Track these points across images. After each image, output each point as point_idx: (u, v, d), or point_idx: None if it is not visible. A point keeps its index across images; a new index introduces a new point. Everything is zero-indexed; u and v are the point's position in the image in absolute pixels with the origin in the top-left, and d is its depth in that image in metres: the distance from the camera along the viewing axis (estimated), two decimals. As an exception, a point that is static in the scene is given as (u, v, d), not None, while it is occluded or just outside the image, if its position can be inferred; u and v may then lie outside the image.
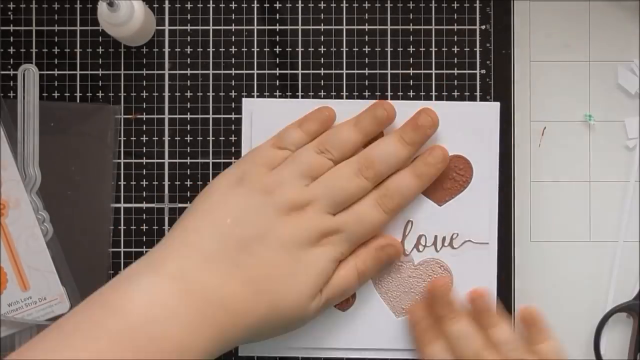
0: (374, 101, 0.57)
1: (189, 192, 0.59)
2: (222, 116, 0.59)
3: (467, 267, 0.58)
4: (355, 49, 0.60)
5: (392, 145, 0.55)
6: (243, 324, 0.49)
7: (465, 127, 0.58)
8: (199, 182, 0.59)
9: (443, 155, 0.56)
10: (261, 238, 0.51)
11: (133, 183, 0.59)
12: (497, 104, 0.59)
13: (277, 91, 0.59)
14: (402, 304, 0.58)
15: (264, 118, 0.58)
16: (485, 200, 0.58)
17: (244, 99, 0.59)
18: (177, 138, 0.59)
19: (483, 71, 0.59)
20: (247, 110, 0.59)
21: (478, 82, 0.59)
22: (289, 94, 0.59)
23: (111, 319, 0.45)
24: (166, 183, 0.59)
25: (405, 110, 0.57)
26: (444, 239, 0.58)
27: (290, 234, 0.52)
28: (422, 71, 0.59)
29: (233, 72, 0.60)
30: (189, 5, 0.60)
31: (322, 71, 0.60)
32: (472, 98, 0.59)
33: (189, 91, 0.60)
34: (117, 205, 0.59)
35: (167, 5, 0.60)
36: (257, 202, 0.52)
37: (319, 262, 0.52)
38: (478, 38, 0.59)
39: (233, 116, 0.59)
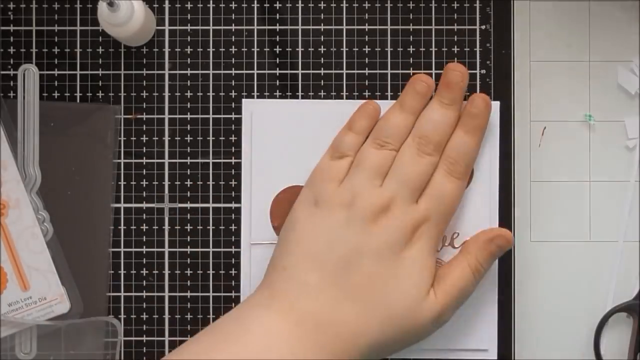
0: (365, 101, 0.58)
1: (189, 192, 0.59)
2: (222, 116, 0.59)
3: None
4: (355, 49, 0.60)
5: (437, 113, 0.55)
6: (360, 345, 0.49)
7: None
8: (199, 182, 0.59)
9: (485, 101, 0.57)
10: (357, 254, 0.51)
11: (133, 183, 0.59)
12: (497, 103, 0.59)
13: (277, 91, 0.59)
14: None
15: (264, 119, 0.58)
16: (486, 199, 0.58)
17: (244, 100, 0.59)
18: (177, 138, 0.59)
19: (483, 71, 0.59)
20: (247, 111, 0.59)
21: (478, 82, 0.59)
22: (289, 93, 0.59)
23: (232, 346, 0.49)
24: (166, 183, 0.59)
25: None
26: (444, 238, 0.58)
27: (384, 241, 0.51)
28: (422, 71, 0.59)
29: (233, 72, 0.60)
30: (189, 5, 0.60)
31: (322, 71, 0.60)
32: (472, 98, 0.59)
33: (189, 91, 0.60)
34: (117, 205, 0.59)
35: (167, 5, 0.60)
36: (341, 219, 0.52)
37: (418, 259, 0.52)
38: (478, 38, 0.59)
39: (233, 116, 0.59)
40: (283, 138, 0.58)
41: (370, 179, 0.53)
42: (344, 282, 0.50)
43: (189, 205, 0.59)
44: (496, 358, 0.58)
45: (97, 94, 0.60)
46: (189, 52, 0.60)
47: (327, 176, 0.54)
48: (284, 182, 0.58)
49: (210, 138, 0.59)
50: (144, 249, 0.59)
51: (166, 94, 0.60)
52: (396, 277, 0.51)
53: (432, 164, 0.54)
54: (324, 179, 0.54)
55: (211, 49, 0.60)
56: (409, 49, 0.60)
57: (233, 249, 0.59)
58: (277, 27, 0.60)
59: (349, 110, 0.57)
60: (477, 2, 0.60)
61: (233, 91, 0.59)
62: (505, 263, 0.59)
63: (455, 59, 0.59)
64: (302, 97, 0.59)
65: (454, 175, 0.55)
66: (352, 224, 0.52)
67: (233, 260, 0.59)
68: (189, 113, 0.60)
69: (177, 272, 0.59)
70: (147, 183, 0.59)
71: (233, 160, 0.59)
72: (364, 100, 0.58)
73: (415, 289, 0.51)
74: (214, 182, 0.59)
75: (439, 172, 0.55)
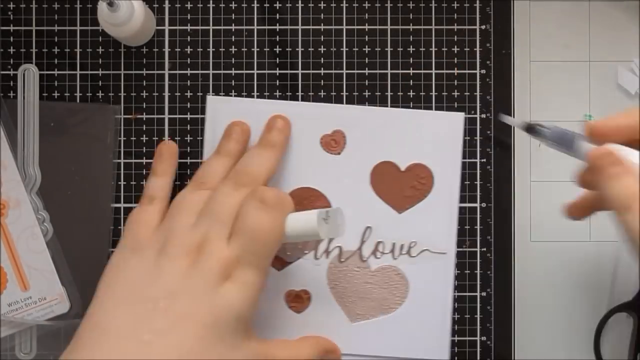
0: (326, 105, 0.58)
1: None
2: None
3: (424, 276, 0.58)
4: (355, 49, 0.60)
5: (254, 151, 0.56)
6: None
7: (429, 136, 0.58)
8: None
9: (282, 120, 0.57)
10: (169, 295, 0.48)
11: (133, 183, 0.59)
12: (462, 115, 0.58)
13: (277, 91, 0.59)
14: (358, 309, 0.58)
15: (228, 118, 0.58)
16: (445, 210, 0.58)
17: (208, 97, 0.59)
18: (177, 138, 0.59)
19: (483, 71, 0.59)
20: (211, 109, 0.59)
21: (478, 82, 0.59)
22: (289, 93, 0.59)
23: None
24: (166, 183, 0.59)
25: (365, 115, 0.58)
26: (402, 246, 0.58)
27: (197, 281, 0.48)
28: (422, 71, 0.59)
29: (233, 72, 0.60)
30: (189, 5, 0.60)
31: (322, 71, 0.60)
32: (472, 98, 0.59)
33: (189, 91, 0.60)
34: (117, 205, 0.59)
35: (167, 5, 0.60)
36: (152, 262, 0.50)
37: (235, 300, 0.49)
38: (478, 38, 0.59)
39: (233, 116, 0.59)
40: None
41: (183, 220, 0.51)
42: (153, 324, 0.47)
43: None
44: None
45: (97, 94, 0.60)
46: (189, 52, 0.60)
47: (142, 221, 0.53)
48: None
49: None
50: (144, 249, 0.59)
51: (166, 94, 0.60)
52: (212, 315, 0.48)
53: (244, 193, 0.52)
54: (140, 224, 0.53)
55: (211, 49, 0.60)
56: (409, 49, 0.60)
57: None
58: (277, 27, 0.60)
59: (305, 112, 0.58)
60: (477, 2, 0.60)
61: (233, 91, 0.59)
62: (506, 263, 0.59)
63: (455, 59, 0.59)
64: (302, 98, 0.59)
65: (262, 206, 0.50)
66: (164, 266, 0.49)
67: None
68: (189, 113, 0.60)
69: (177, 272, 0.59)
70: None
71: (233, 160, 0.59)
72: (323, 104, 0.58)
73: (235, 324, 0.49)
74: (214, 182, 0.59)
75: (245, 202, 0.51)
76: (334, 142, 0.58)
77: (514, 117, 0.59)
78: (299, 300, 0.58)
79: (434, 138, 0.58)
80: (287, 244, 0.56)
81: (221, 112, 0.59)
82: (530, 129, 0.50)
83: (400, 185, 0.58)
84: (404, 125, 0.58)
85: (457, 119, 0.58)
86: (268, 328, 0.57)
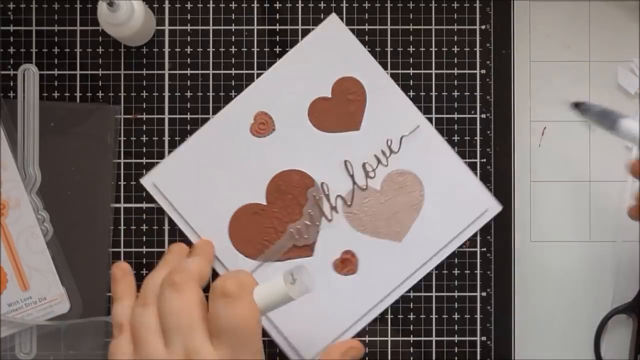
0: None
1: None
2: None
3: (422, 157, 0.59)
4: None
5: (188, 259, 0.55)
6: None
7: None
8: (187, 140, 0.59)
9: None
10: None
11: (133, 183, 0.59)
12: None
13: (277, 91, 0.60)
14: (394, 227, 0.59)
15: (169, 181, 0.59)
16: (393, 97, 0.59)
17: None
18: (177, 138, 0.59)
19: (483, 71, 0.59)
20: (151, 187, 0.59)
21: (478, 82, 0.59)
22: (289, 94, 0.59)
23: None
24: (166, 183, 0.59)
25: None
26: (382, 151, 0.59)
27: None
28: (422, 71, 0.59)
29: (233, 72, 0.60)
30: (189, 5, 0.60)
31: (322, 71, 0.60)
32: (472, 98, 0.59)
33: (189, 91, 0.60)
34: (117, 205, 0.59)
35: (167, 5, 0.60)
36: None
37: None
38: (478, 38, 0.59)
39: (233, 116, 0.59)
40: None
41: (153, 344, 0.49)
42: None
43: (189, 205, 0.59)
44: None
45: (97, 94, 0.60)
46: (189, 52, 0.60)
47: (118, 355, 0.51)
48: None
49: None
50: (144, 249, 0.59)
51: (166, 94, 0.60)
52: None
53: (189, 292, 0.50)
54: (116, 358, 0.51)
55: (211, 49, 0.60)
56: (409, 49, 0.60)
57: (233, 249, 0.59)
58: (277, 27, 0.60)
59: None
60: (477, 2, 0.60)
61: (233, 91, 0.59)
62: (505, 263, 0.59)
63: (455, 59, 0.59)
64: (302, 97, 0.59)
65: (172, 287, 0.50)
66: None
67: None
68: (189, 113, 0.60)
69: (177, 272, 0.59)
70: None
71: (233, 160, 0.59)
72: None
73: None
74: (214, 182, 0.59)
75: (210, 303, 0.49)
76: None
77: (513, 116, 0.59)
78: (347, 263, 0.58)
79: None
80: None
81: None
82: (577, 105, 0.52)
83: (335, 111, 0.59)
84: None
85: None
86: (335, 305, 0.58)
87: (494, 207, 0.59)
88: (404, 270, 0.58)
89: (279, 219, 0.58)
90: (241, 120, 0.59)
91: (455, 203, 0.58)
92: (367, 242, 0.58)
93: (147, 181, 0.59)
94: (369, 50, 0.59)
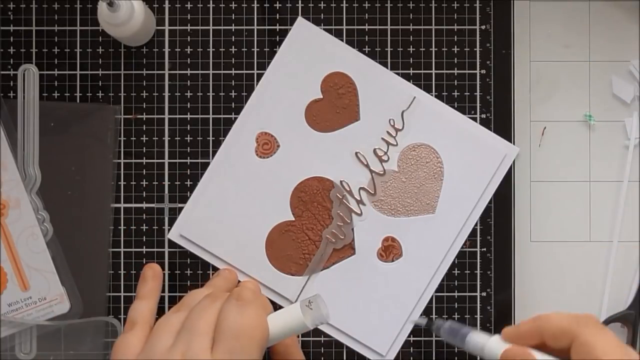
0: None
1: (189, 192, 0.59)
2: (222, 116, 0.59)
3: (423, 124, 0.59)
4: (356, 49, 0.60)
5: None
6: None
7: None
8: (199, 182, 0.59)
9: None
10: None
11: (133, 183, 0.59)
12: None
13: (277, 91, 0.60)
14: (424, 200, 0.59)
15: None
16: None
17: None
18: (177, 138, 0.59)
19: (483, 71, 0.59)
20: (180, 239, 0.59)
21: (478, 82, 0.59)
22: (289, 94, 0.59)
23: None
24: (166, 183, 0.59)
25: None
26: (388, 132, 0.59)
27: None
28: (422, 71, 0.59)
29: (233, 72, 0.60)
30: (189, 5, 0.60)
31: (322, 71, 0.60)
32: (472, 98, 0.59)
33: (189, 91, 0.60)
34: (117, 205, 0.59)
35: (167, 5, 0.60)
36: None
37: None
38: (478, 38, 0.59)
39: (233, 116, 0.59)
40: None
41: (162, 341, 0.49)
42: None
43: (186, 207, 0.59)
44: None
45: (97, 94, 0.60)
46: (189, 52, 0.60)
47: (125, 349, 0.51)
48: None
49: (210, 138, 0.59)
50: (144, 249, 0.59)
51: (166, 94, 0.60)
52: None
53: (221, 304, 0.50)
54: (123, 353, 0.51)
55: (211, 49, 0.60)
56: (409, 49, 0.60)
57: (233, 249, 0.59)
58: (277, 27, 0.60)
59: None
60: (477, 2, 0.60)
61: (233, 91, 0.59)
62: (505, 263, 0.59)
63: (455, 59, 0.59)
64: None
65: (239, 303, 0.49)
66: None
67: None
68: (189, 113, 0.60)
69: (177, 272, 0.59)
70: (147, 183, 0.59)
71: (233, 160, 0.59)
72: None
73: None
74: (214, 182, 0.59)
75: (224, 306, 0.50)
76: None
77: (514, 116, 0.59)
78: (391, 249, 0.58)
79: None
80: None
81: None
82: (428, 324, 0.52)
83: (330, 109, 0.59)
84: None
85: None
86: (392, 293, 0.58)
87: (512, 151, 0.59)
88: (446, 238, 0.58)
89: (312, 229, 0.58)
90: (245, 147, 0.59)
91: (474, 158, 0.58)
92: (403, 224, 0.58)
93: (174, 234, 0.59)
94: (369, 51, 0.59)
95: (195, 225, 0.58)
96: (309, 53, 0.59)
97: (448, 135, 0.58)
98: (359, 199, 0.58)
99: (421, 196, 0.58)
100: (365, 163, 0.58)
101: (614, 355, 0.44)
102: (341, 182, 0.58)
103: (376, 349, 0.58)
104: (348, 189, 0.58)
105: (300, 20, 0.59)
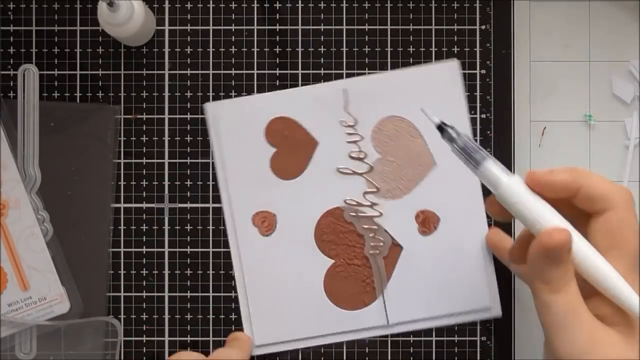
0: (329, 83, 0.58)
1: (189, 192, 0.59)
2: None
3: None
4: (355, 49, 0.60)
5: None
6: None
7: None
8: (199, 182, 0.59)
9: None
10: None
11: (133, 183, 0.59)
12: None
13: (278, 91, 0.59)
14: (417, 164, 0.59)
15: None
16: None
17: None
18: (177, 138, 0.59)
19: (483, 71, 0.59)
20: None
21: (478, 82, 0.59)
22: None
23: None
24: (166, 183, 0.59)
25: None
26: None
27: None
28: (422, 71, 0.59)
29: (233, 72, 0.60)
30: (189, 5, 0.60)
31: (322, 71, 0.60)
32: (472, 98, 0.59)
33: (189, 91, 0.60)
34: (117, 205, 0.59)
35: (167, 5, 0.60)
36: None
37: None
38: (478, 38, 0.59)
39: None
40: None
41: None
42: None
43: (189, 205, 0.59)
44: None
45: (97, 94, 0.60)
46: (189, 52, 0.60)
47: None
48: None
49: (210, 138, 0.59)
50: (144, 249, 0.59)
51: (166, 94, 0.60)
52: None
53: None
54: None
55: (211, 49, 0.60)
56: (409, 49, 0.60)
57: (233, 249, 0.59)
58: (277, 27, 0.60)
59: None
60: (477, 2, 0.60)
61: (233, 91, 0.59)
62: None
63: (455, 58, 0.59)
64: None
65: None
66: None
67: (233, 261, 0.59)
68: (189, 113, 0.60)
69: (177, 272, 0.59)
70: (147, 183, 0.59)
71: (233, 160, 0.59)
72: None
73: None
74: (213, 182, 0.59)
75: None
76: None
77: (513, 116, 0.59)
78: (427, 220, 0.58)
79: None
80: None
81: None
82: (441, 129, 0.47)
83: (287, 153, 0.59)
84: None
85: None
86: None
87: (454, 64, 0.59)
88: (462, 182, 0.58)
89: (355, 257, 0.59)
90: (248, 232, 0.59)
91: (433, 95, 0.58)
92: (419, 192, 0.58)
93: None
94: (369, 51, 0.59)
95: (269, 327, 0.58)
96: (236, 125, 0.59)
97: (394, 97, 0.58)
98: (369, 203, 0.58)
99: (416, 160, 0.58)
100: (351, 172, 0.58)
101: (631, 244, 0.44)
102: (345, 201, 0.58)
103: (491, 307, 0.58)
104: (355, 203, 0.58)
105: (207, 106, 0.59)
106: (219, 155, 0.59)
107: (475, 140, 0.59)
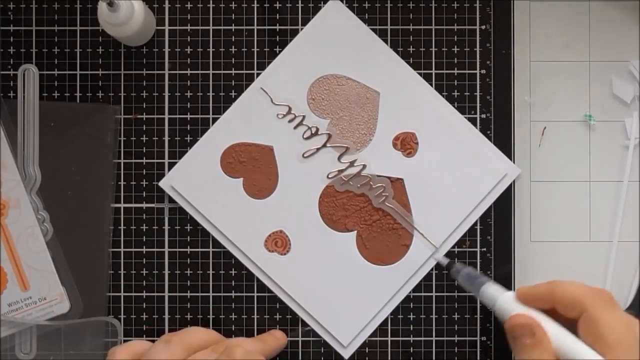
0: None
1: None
2: (222, 116, 0.59)
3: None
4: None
5: None
6: None
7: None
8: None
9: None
10: None
11: (133, 183, 0.59)
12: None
13: (277, 91, 0.60)
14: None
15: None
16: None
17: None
18: (177, 138, 0.59)
19: (483, 71, 0.59)
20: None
21: (478, 82, 0.59)
22: (289, 94, 0.59)
23: None
24: (166, 183, 0.59)
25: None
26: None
27: None
28: (422, 71, 0.59)
29: (233, 72, 0.60)
30: (189, 5, 0.60)
31: (322, 71, 0.60)
32: (472, 98, 0.59)
33: (189, 91, 0.60)
34: (117, 205, 0.59)
35: (167, 5, 0.60)
36: None
37: None
38: (478, 38, 0.59)
39: (233, 116, 0.59)
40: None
41: None
42: None
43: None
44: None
45: (97, 94, 0.60)
46: (189, 52, 0.60)
47: None
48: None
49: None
50: (144, 249, 0.59)
51: (166, 94, 0.60)
52: None
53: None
54: None
55: (211, 49, 0.60)
56: (409, 49, 0.60)
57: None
58: (277, 27, 0.60)
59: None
60: (477, 2, 0.60)
61: (233, 91, 0.59)
62: (505, 263, 0.59)
63: (455, 59, 0.59)
64: (302, 97, 0.60)
65: None
66: None
67: (233, 260, 0.59)
68: (189, 113, 0.60)
69: (177, 272, 0.59)
70: (147, 183, 0.59)
71: (233, 160, 0.59)
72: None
73: None
74: (214, 182, 0.59)
75: None
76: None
77: (513, 116, 0.59)
78: (407, 140, 0.58)
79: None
80: None
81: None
82: (448, 266, 0.56)
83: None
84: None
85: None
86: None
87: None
88: (414, 95, 0.58)
89: (369, 213, 0.58)
90: (268, 261, 0.58)
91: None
92: (384, 124, 0.58)
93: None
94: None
95: (345, 325, 0.59)
96: (194, 183, 0.58)
97: (308, 64, 0.59)
98: (348, 163, 0.58)
99: (359, 100, 0.58)
100: (315, 149, 0.58)
101: (619, 335, 0.45)
102: (328, 177, 0.58)
103: (507, 171, 0.58)
104: (337, 172, 0.58)
105: (162, 185, 0.59)
106: (202, 218, 0.59)
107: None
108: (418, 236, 0.58)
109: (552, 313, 0.49)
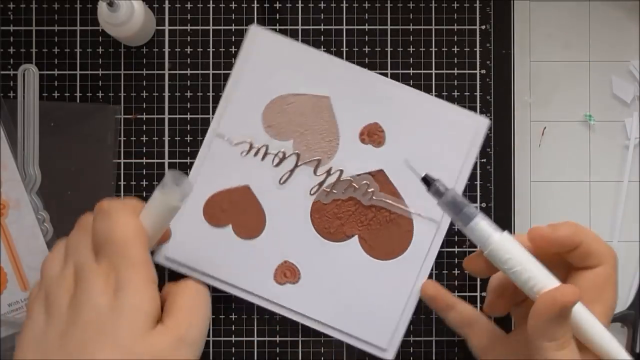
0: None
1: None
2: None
3: None
4: (355, 49, 0.60)
5: None
6: None
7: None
8: (199, 182, 0.59)
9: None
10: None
11: (133, 183, 0.59)
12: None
13: (277, 91, 0.59)
14: None
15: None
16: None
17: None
18: (177, 138, 0.59)
19: (483, 71, 0.59)
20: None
21: (478, 82, 0.59)
22: (289, 94, 0.59)
23: None
24: (166, 183, 0.59)
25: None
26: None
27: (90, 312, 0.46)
28: (422, 71, 0.59)
29: (233, 72, 0.60)
30: (189, 5, 0.60)
31: (322, 71, 0.60)
32: (472, 98, 0.59)
33: (189, 91, 0.60)
34: (117, 205, 0.59)
35: (167, 5, 0.60)
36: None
37: (137, 302, 0.47)
38: (478, 38, 0.60)
39: (233, 116, 0.59)
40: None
41: (54, 268, 0.49)
42: None
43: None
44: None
45: (97, 94, 0.60)
46: (189, 52, 0.60)
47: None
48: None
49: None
50: (144, 249, 0.59)
51: (166, 94, 0.60)
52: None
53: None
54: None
55: (211, 49, 0.60)
56: (409, 49, 0.60)
57: (233, 249, 0.59)
58: (277, 27, 0.60)
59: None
60: (477, 2, 0.60)
61: (233, 91, 0.59)
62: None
63: (455, 59, 0.59)
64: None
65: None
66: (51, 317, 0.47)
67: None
68: (189, 113, 0.60)
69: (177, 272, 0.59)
70: (147, 183, 0.59)
71: (233, 160, 0.59)
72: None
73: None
74: (214, 182, 0.59)
75: (93, 222, 0.49)
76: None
77: (513, 116, 0.59)
78: (372, 131, 0.58)
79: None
80: None
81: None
82: (426, 182, 0.48)
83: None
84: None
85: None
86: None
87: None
88: (361, 85, 0.58)
89: (363, 214, 0.58)
90: (282, 294, 0.58)
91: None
92: (344, 124, 0.58)
93: None
94: (369, 51, 0.59)
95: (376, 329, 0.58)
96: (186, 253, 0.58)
97: (257, 91, 0.58)
98: (324, 174, 0.58)
99: (313, 111, 0.58)
100: (288, 173, 0.58)
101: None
102: (311, 193, 0.58)
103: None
104: (317, 186, 0.58)
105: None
106: (204, 275, 0.58)
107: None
108: (417, 218, 0.58)
109: (542, 256, 0.48)
